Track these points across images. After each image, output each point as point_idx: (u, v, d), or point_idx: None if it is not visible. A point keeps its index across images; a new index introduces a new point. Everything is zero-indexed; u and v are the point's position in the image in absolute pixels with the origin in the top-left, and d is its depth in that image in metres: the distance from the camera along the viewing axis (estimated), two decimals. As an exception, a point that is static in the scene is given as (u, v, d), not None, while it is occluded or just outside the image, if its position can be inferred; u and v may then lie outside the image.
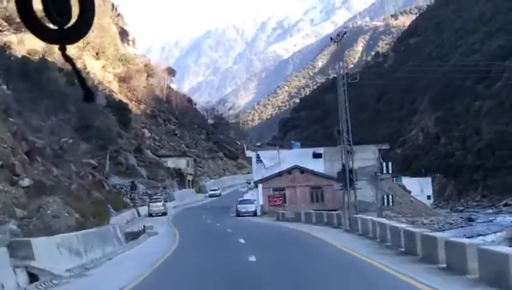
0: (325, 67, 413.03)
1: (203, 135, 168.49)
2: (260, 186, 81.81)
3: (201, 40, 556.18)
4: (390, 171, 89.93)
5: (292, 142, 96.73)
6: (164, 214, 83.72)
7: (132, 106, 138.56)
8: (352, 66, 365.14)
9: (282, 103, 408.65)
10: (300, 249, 31.94)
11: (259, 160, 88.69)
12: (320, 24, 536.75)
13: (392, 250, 27.01)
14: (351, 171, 46.65)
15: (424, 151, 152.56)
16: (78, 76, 4.29)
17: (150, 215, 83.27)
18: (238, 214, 76.55)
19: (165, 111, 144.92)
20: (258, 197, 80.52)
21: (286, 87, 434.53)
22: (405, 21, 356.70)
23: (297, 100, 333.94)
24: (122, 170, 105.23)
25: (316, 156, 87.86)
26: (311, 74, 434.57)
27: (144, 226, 54.33)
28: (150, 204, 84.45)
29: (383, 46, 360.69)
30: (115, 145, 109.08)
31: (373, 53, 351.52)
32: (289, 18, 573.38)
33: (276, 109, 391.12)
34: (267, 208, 78.85)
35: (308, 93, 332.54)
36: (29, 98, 71.31)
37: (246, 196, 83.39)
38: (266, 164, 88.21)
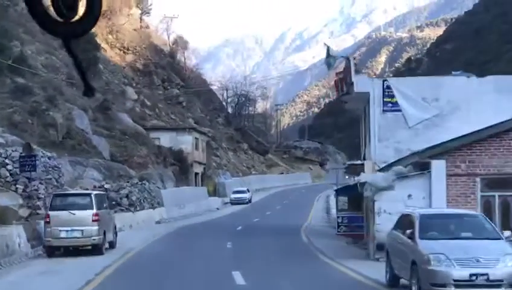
0: None
1: (222, 118, 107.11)
2: (441, 171, 20.22)
3: (219, 48, 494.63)
4: None
5: (456, 72, 34.73)
6: (100, 250, 21.94)
7: (113, 54, 77.57)
8: (374, 76, 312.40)
9: (301, 112, 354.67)
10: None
11: (391, 106, 28.06)
12: (340, 37, 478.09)
13: None
14: None
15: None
16: (79, 70, 3.86)
17: (51, 253, 21.62)
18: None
19: (165, 67, 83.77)
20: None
21: (305, 97, 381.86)
22: (431, 33, 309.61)
23: (317, 110, 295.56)
24: (55, 137, 44.59)
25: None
26: (332, 84, 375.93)
27: None
28: (52, 216, 22.24)
29: (407, 57, 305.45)
30: (48, 92, 48.47)
31: (397, 64, 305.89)
32: (309, 29, 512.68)
33: (294, 118, 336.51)
34: None
35: (327, 102, 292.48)
36: None
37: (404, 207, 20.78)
38: (412, 117, 27.50)
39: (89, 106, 54.16)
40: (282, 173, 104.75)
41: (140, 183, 43.02)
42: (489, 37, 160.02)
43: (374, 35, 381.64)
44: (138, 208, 40.16)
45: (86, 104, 53.38)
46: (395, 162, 24.38)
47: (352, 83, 28.90)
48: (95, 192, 23.54)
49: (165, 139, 61.75)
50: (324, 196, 74.27)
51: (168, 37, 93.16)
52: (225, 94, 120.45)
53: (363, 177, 21.54)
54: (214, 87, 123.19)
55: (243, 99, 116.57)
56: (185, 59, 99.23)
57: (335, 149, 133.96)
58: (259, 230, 34.14)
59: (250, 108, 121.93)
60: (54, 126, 45.30)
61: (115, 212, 36.86)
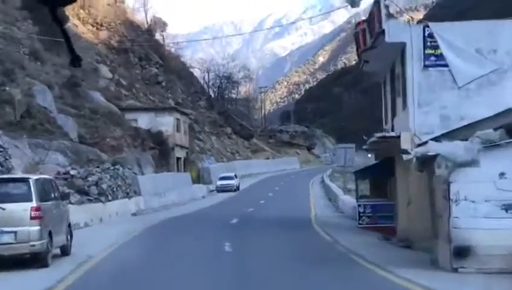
0: (326, 63, 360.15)
1: (204, 101, 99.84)
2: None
3: (198, 35, 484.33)
4: None
5: None
6: (44, 260, 14.49)
7: (85, 30, 70.13)
8: (354, 62, 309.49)
9: (281, 98, 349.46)
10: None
11: (434, 60, 21.35)
12: (319, 23, 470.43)
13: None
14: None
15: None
16: (66, 39, 3.93)
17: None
18: None
19: (142, 45, 76.22)
20: None
21: (285, 83, 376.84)
22: (411, 18, 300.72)
23: (297, 96, 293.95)
24: (12, 116, 37.13)
25: None
26: (312, 70, 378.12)
27: None
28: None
29: None
30: (5, 65, 41.13)
31: None
32: (288, 16, 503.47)
33: (275, 104, 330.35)
34: None
35: (308, 88, 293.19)
36: None
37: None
38: (462, 74, 20.73)
39: (55, 82, 46.78)
40: (268, 158, 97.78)
41: (112, 168, 35.78)
42: (472, 19, 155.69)
43: (353, 21, 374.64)
44: (110, 198, 32.98)
45: (51, 80, 46.03)
46: (457, 129, 17.49)
47: (382, 31, 21.84)
48: (35, 177, 16.20)
49: (143, 120, 54.55)
50: (317, 181, 67.58)
51: (146, 14, 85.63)
52: (206, 77, 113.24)
53: (432, 148, 14.38)
54: (195, 70, 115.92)
55: (225, 81, 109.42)
56: (163, 38, 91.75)
57: (322, 133, 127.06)
58: (260, 223, 27.07)
59: (233, 91, 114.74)
60: (10, 103, 37.99)
61: (82, 203, 29.83)
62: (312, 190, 56.43)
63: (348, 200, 33.02)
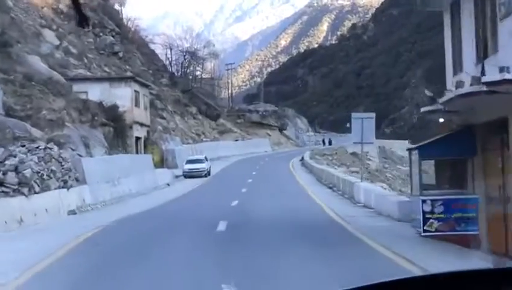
0: (288, 46, 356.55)
1: (166, 79, 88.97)
2: None
3: (159, 19, 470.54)
4: None
5: None
6: None
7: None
8: (316, 45, 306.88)
9: (243, 82, 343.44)
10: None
11: None
12: (279, 7, 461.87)
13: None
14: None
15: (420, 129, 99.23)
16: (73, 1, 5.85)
17: None
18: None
19: (96, 10, 64.80)
20: None
21: (247, 66, 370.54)
22: (373, 0, 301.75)
23: (259, 79, 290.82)
24: None
25: None
26: (274, 53, 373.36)
27: None
28: None
29: (349, 25, 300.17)
30: None
31: (339, 32, 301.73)
32: (248, 0, 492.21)
33: (237, 88, 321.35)
34: None
35: (270, 72, 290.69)
36: None
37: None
38: None
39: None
40: (238, 140, 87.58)
41: (43, 147, 25.17)
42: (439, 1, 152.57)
43: (314, 4, 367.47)
44: (38, 189, 22.47)
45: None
46: None
47: None
48: None
49: (95, 93, 43.71)
50: (297, 165, 57.91)
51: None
52: (169, 53, 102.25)
53: None
54: (157, 46, 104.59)
55: (190, 57, 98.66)
56: (121, 11, 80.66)
57: (294, 113, 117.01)
58: (266, 231, 16.73)
59: (198, 68, 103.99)
60: None
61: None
62: (296, 174, 46.52)
63: (374, 190, 22.98)
